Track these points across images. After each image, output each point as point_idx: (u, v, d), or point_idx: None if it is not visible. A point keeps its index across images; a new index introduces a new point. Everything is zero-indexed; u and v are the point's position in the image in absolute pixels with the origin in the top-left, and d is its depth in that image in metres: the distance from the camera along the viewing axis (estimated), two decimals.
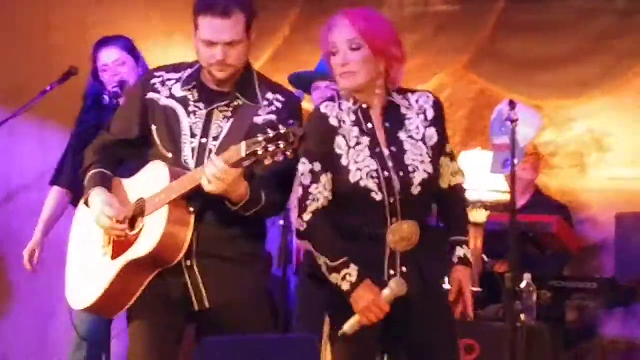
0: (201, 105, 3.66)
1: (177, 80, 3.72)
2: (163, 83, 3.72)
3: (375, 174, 3.53)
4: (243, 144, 3.34)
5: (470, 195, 3.80)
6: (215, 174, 3.39)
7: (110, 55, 4.93)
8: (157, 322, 3.65)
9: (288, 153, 3.32)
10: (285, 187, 3.65)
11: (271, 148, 3.30)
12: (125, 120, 3.77)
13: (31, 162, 6.16)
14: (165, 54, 6.15)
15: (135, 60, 4.96)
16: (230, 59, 3.59)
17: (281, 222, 4.84)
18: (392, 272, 3.56)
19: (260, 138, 3.31)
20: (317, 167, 3.56)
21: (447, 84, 7.08)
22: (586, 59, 6.66)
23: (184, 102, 3.67)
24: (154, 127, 3.69)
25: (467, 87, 7.07)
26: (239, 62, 3.63)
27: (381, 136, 3.60)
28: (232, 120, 3.62)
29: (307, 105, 5.01)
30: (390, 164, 3.55)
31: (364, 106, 3.61)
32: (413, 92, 3.70)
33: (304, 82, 4.93)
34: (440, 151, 3.65)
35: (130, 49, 4.97)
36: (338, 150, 3.56)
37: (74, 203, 4.73)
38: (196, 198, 3.52)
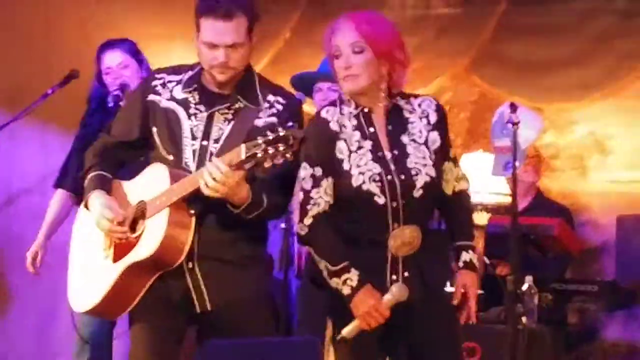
0: (202, 107, 3.66)
1: (178, 82, 3.71)
2: (164, 85, 3.71)
3: (377, 178, 3.52)
4: (242, 147, 3.34)
5: (471, 198, 3.80)
6: (215, 177, 3.39)
7: (113, 58, 4.92)
8: (158, 325, 3.65)
9: (288, 155, 3.32)
10: (286, 190, 3.65)
11: (271, 150, 3.30)
12: (126, 122, 3.77)
13: (32, 166, 6.16)
14: (167, 53, 6.13)
15: (139, 63, 4.94)
16: (232, 62, 3.58)
17: (283, 225, 4.83)
18: (394, 277, 3.55)
19: (260, 140, 3.31)
20: (318, 171, 3.55)
21: (449, 87, 7.09)
22: (587, 61, 6.66)
23: (184, 104, 3.67)
24: (154, 129, 3.68)
25: (469, 89, 7.07)
26: (241, 64, 3.62)
27: (383, 139, 3.60)
28: (233, 122, 3.62)
29: (309, 108, 5.01)
30: (392, 167, 3.55)
31: (366, 110, 3.61)
32: (416, 96, 3.69)
33: (306, 83, 4.92)
34: (443, 155, 3.64)
35: (134, 52, 4.96)
36: (339, 155, 3.56)
37: (78, 205, 4.72)
38: (197, 200, 3.52)
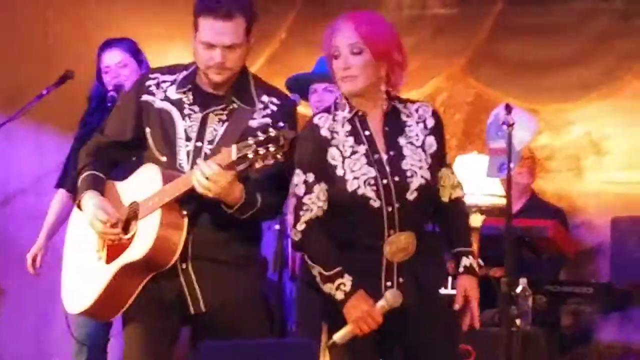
0: (196, 108, 3.65)
1: (172, 83, 3.70)
2: (158, 85, 3.70)
3: (373, 181, 3.51)
4: (234, 147, 3.34)
5: (466, 199, 3.80)
6: (207, 176, 3.39)
7: (112, 57, 4.90)
8: (151, 326, 3.64)
9: (278, 156, 3.32)
10: (280, 190, 3.64)
11: (261, 151, 3.29)
12: (120, 122, 3.76)
13: (28, 166, 6.16)
14: (166, 53, 6.13)
15: (138, 63, 4.92)
16: (229, 62, 3.57)
17: (277, 227, 4.83)
18: (389, 283, 3.54)
19: (251, 141, 3.31)
20: (311, 177, 3.54)
21: (444, 87, 7.09)
22: (585, 61, 6.67)
23: (178, 104, 3.66)
24: (147, 130, 3.67)
25: (465, 90, 7.08)
26: (237, 65, 3.61)
27: (380, 141, 3.59)
28: (227, 123, 3.61)
29: (304, 110, 5.01)
30: (387, 169, 3.54)
31: (360, 113, 3.60)
32: (413, 102, 3.70)
33: (302, 84, 4.91)
34: (439, 161, 3.64)
35: (134, 51, 4.94)
36: (332, 161, 3.55)
37: None
38: (191, 201, 3.51)
